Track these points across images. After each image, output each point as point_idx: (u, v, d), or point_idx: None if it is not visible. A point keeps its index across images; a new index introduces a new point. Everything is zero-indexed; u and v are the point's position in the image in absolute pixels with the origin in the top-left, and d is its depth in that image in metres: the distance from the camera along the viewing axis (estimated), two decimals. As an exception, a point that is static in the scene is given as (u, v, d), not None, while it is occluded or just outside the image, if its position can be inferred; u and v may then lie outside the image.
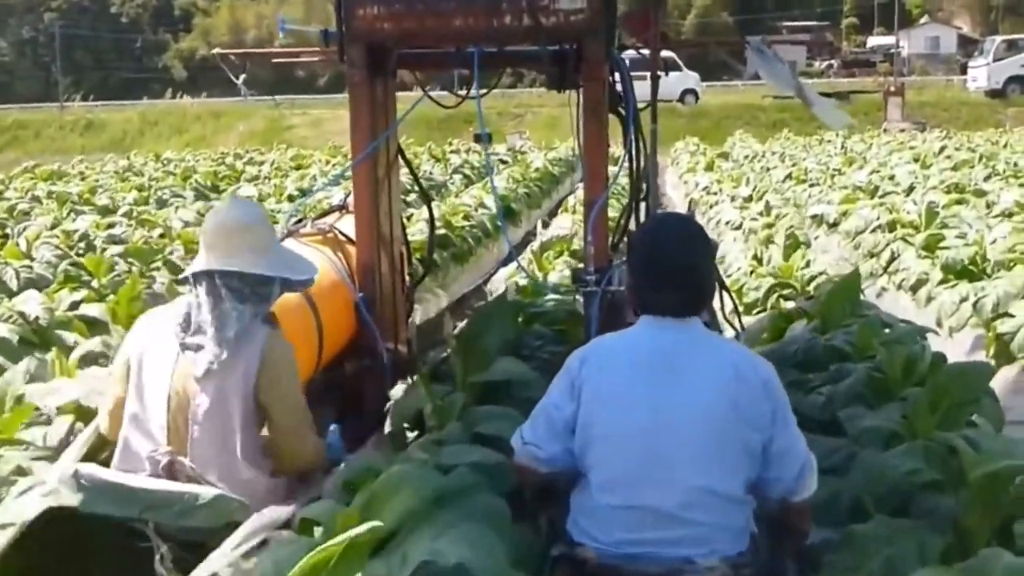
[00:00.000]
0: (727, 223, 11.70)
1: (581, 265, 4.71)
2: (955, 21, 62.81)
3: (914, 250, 8.69)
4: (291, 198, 14.17)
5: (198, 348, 3.28)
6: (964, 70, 48.08)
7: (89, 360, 5.13)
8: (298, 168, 21.87)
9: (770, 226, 10.05)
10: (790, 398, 2.83)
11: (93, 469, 3.14)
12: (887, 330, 4.71)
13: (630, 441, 2.69)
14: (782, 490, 2.78)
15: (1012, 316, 6.54)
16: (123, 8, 77.57)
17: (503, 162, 20.99)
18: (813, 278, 6.99)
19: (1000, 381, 5.44)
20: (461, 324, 5.15)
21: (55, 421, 3.97)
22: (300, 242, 4.77)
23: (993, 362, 6.10)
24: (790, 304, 6.08)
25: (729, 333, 5.06)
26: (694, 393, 2.68)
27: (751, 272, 7.80)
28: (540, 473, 2.91)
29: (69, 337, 5.88)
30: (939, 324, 7.04)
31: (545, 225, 11.52)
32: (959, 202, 11.24)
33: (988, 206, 11.12)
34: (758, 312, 6.46)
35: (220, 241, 3.36)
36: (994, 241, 8.35)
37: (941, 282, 7.72)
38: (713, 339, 2.89)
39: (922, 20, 60.53)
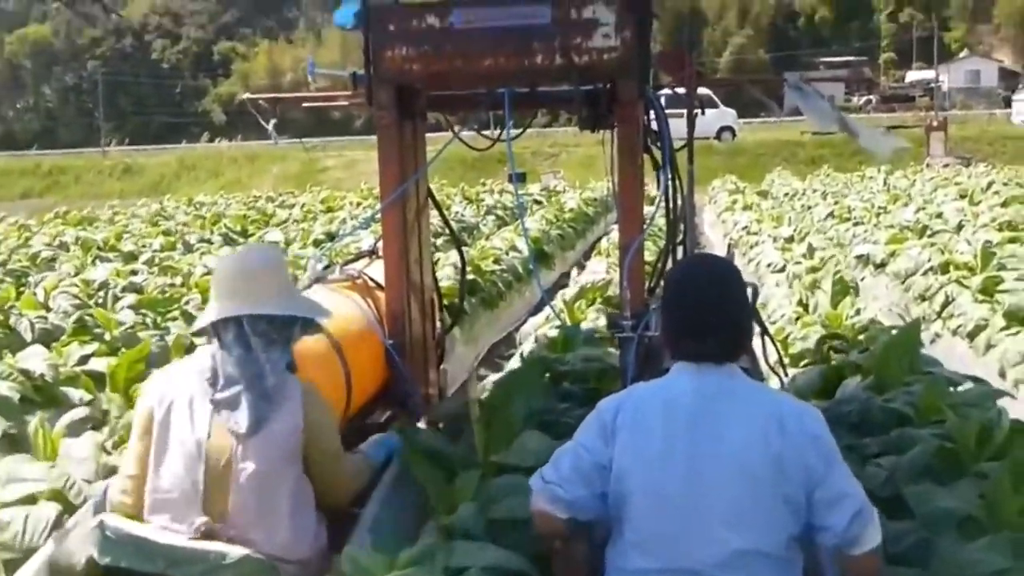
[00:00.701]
0: (768, 266, 11.05)
1: (617, 311, 4.54)
2: (995, 54, 62.40)
3: (970, 294, 8.13)
4: (316, 243, 13.84)
5: (235, 405, 3.13)
6: (1007, 103, 47.63)
7: (77, 428, 4.87)
8: (329, 211, 21.58)
9: (815, 270, 9.39)
10: (849, 461, 2.66)
11: (119, 522, 3.06)
12: (954, 389, 4.38)
13: (667, 500, 2.54)
14: (834, 540, 2.55)
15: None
16: (163, 54, 79.09)
17: (537, 202, 20.63)
18: (864, 328, 6.37)
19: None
20: (490, 378, 4.99)
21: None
22: (329, 289, 4.68)
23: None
24: (840, 356, 5.64)
25: (773, 383, 4.83)
26: (734, 448, 2.53)
27: (796, 319, 7.22)
28: (560, 520, 2.70)
29: (75, 394, 5.61)
30: (1002, 375, 6.59)
31: (581, 267, 11.19)
32: (1013, 240, 10.53)
33: (1047, 245, 10.29)
34: (806, 364, 5.90)
35: (242, 285, 3.23)
36: (1059, 284, 7.70)
37: (1003, 329, 7.15)
38: (754, 388, 2.75)
39: (962, 54, 60.20)
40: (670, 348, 2.75)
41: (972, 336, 7.46)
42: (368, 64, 4.43)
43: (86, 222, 20.50)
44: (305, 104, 5.73)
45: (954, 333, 7.79)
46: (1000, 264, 8.83)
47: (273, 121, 5.79)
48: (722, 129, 40.22)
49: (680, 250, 4.84)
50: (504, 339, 8.76)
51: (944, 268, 9.31)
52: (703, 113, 5.54)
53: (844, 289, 7.73)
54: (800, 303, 7.81)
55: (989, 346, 7.14)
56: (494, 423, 3.85)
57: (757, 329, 4.83)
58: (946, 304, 8.35)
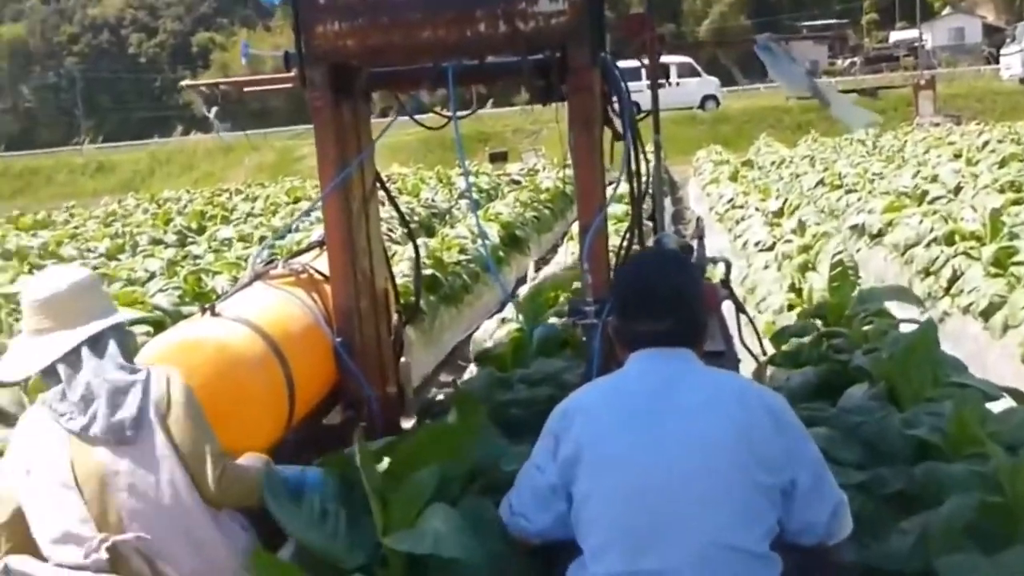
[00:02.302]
0: (756, 244, 10.03)
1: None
2: (979, 10, 62.00)
3: (981, 267, 7.43)
4: (262, 239, 12.87)
5: (92, 419, 2.87)
6: (992, 60, 47.24)
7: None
8: (296, 202, 20.63)
9: (807, 248, 8.38)
10: (864, 501, 2.54)
11: (25, 563, 2.84)
12: (990, 404, 3.72)
13: (629, 498, 2.38)
14: (816, 537, 2.49)
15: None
16: (141, 48, 78.41)
17: (515, 182, 19.72)
18: (869, 322, 5.21)
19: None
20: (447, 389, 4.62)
21: None
22: (270, 284, 4.38)
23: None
24: (843, 356, 4.72)
25: (748, 362, 4.55)
26: (696, 432, 2.39)
27: (788, 307, 6.52)
28: (535, 544, 2.67)
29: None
30: (1024, 360, 6.00)
31: (545, 261, 10.42)
32: (1017, 203, 9.72)
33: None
34: (801, 364, 4.85)
35: (87, 303, 3.03)
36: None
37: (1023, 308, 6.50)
38: (712, 371, 2.60)
39: (944, 11, 59.81)
40: (623, 342, 2.63)
41: (986, 315, 6.83)
42: (299, 42, 4.12)
43: (39, 226, 19.91)
44: (246, 89, 5.41)
45: (965, 311, 7.18)
46: (1012, 233, 8.07)
47: (215, 108, 5.46)
48: (706, 98, 39.89)
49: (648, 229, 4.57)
50: (467, 340, 7.81)
51: (949, 239, 8.57)
52: (668, 82, 5.26)
53: (843, 273, 6.46)
54: (792, 287, 7.05)
55: (1007, 327, 6.52)
56: (393, 499, 2.96)
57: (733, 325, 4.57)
58: (954, 279, 7.70)
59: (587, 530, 2.44)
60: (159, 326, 6.65)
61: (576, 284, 6.09)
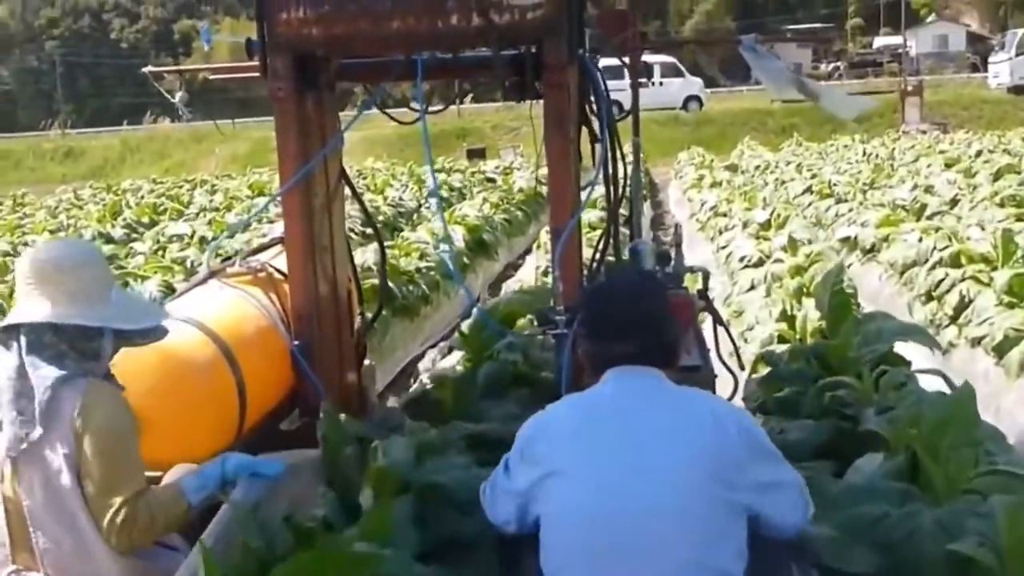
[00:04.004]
0: (742, 259, 9.16)
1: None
2: (963, 18, 62.16)
3: (993, 294, 6.75)
4: (203, 240, 11.86)
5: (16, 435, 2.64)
6: (977, 68, 47.32)
7: None
8: (260, 195, 19.50)
9: (800, 270, 7.55)
10: None
11: None
12: None
13: (589, 520, 2.33)
14: (781, 524, 2.48)
15: None
16: (122, 34, 77.86)
17: (490, 180, 18.94)
18: (883, 371, 4.34)
19: None
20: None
21: None
22: (225, 283, 4.20)
23: None
24: (850, 410, 4.05)
25: (726, 379, 4.37)
26: (664, 454, 2.35)
27: (779, 339, 5.77)
28: (509, 530, 2.63)
29: None
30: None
31: (514, 267, 9.77)
32: (1019, 218, 9.13)
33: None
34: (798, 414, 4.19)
35: (34, 288, 2.70)
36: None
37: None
38: (682, 391, 2.56)
39: (929, 19, 59.96)
40: (590, 363, 2.60)
41: (1000, 351, 6.17)
42: (261, 29, 3.93)
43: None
44: (211, 77, 5.21)
45: (974, 344, 6.55)
46: None
47: (179, 94, 5.26)
48: (689, 99, 39.73)
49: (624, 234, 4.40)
50: (419, 358, 7.19)
51: (955, 260, 7.86)
52: (650, 81, 5.11)
53: (843, 304, 5.14)
54: (784, 315, 6.12)
55: None
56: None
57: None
58: (961, 306, 7.03)
59: (549, 552, 2.41)
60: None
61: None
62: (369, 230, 8.67)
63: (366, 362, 4.87)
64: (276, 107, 4.00)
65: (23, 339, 2.67)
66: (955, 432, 3.14)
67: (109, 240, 13.55)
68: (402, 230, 10.55)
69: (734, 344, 4.56)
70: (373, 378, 5.04)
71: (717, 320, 4.47)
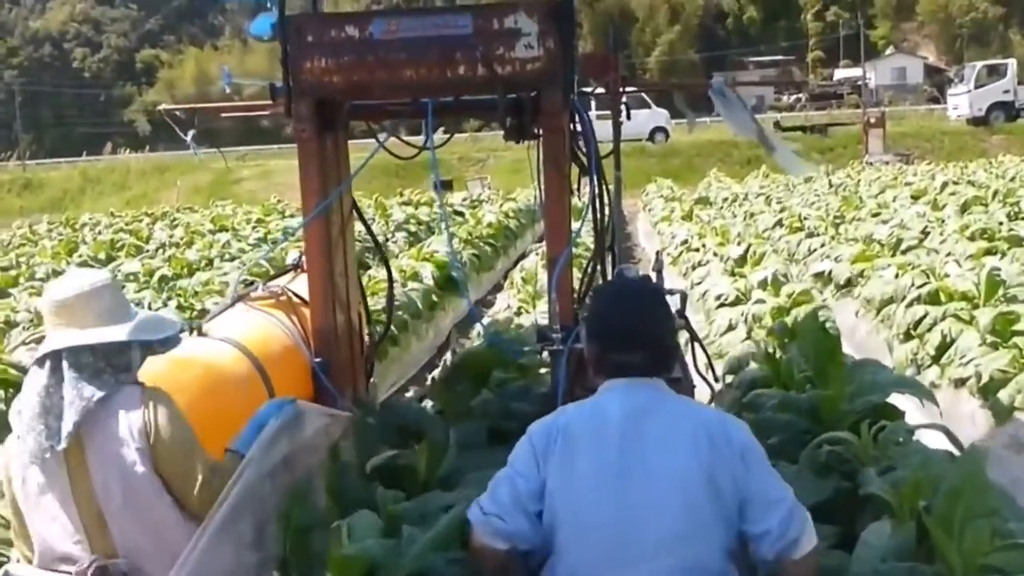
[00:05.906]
0: (718, 298, 8.70)
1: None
2: (920, 51, 63.51)
3: (976, 334, 6.54)
4: (162, 280, 11.40)
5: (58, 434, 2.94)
6: (936, 99, 48.12)
7: None
8: (221, 230, 18.74)
9: (782, 311, 7.31)
10: None
11: (24, 570, 2.95)
12: None
13: (598, 525, 2.50)
14: (774, 545, 2.50)
15: None
16: (85, 63, 77.42)
17: (458, 213, 18.46)
18: (879, 426, 4.03)
19: None
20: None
21: None
22: (251, 306, 4.61)
23: None
24: (845, 466, 3.91)
25: (704, 390, 4.82)
26: (667, 465, 2.50)
27: (764, 384, 5.08)
28: (500, 552, 2.62)
29: None
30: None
31: (486, 304, 9.09)
32: (990, 252, 8.92)
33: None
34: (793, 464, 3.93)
35: (61, 321, 3.02)
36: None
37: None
38: (680, 402, 2.72)
39: (887, 51, 61.16)
40: (595, 366, 2.72)
41: (986, 392, 5.97)
42: (287, 76, 4.34)
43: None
44: (224, 115, 5.60)
45: (958, 385, 6.32)
46: (1010, 294, 7.10)
47: (192, 132, 5.64)
48: (655, 130, 40.05)
49: (609, 258, 4.81)
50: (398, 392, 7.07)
51: (934, 297, 7.60)
52: (629, 118, 5.50)
53: (831, 349, 4.60)
54: (769, 357, 5.37)
55: (1014, 409, 5.70)
56: None
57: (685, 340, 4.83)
58: (944, 346, 6.75)
59: (562, 551, 2.54)
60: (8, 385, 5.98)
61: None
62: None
63: (371, 380, 5.29)
64: (299, 147, 4.42)
65: (64, 362, 2.95)
66: (968, 502, 2.92)
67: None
68: (370, 267, 10.09)
69: (709, 359, 5.02)
70: (376, 397, 5.46)
71: (694, 337, 4.89)
